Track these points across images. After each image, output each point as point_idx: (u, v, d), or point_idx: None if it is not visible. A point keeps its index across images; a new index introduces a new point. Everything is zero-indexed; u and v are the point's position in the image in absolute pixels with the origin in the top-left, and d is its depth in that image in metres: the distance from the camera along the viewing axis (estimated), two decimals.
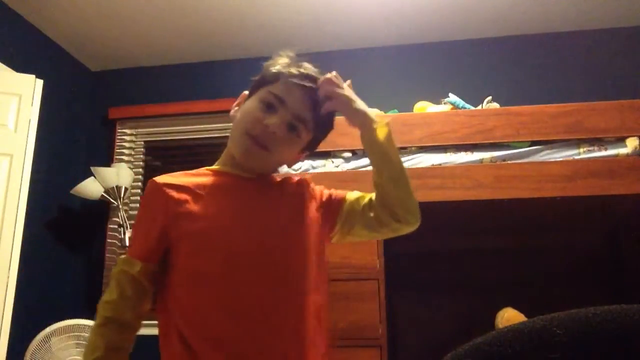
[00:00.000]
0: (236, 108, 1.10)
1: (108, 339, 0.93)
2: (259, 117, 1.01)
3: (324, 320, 1.03)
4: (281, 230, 1.02)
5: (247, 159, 1.03)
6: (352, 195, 1.15)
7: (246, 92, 1.10)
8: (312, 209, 1.09)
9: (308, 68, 1.06)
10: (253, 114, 1.02)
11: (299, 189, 1.10)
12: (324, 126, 1.10)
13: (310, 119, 1.04)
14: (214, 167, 1.09)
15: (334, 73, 1.08)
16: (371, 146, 1.09)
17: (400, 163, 1.11)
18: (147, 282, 0.98)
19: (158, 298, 1.01)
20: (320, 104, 1.05)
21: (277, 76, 1.04)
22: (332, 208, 1.12)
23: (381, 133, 1.09)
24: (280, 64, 1.06)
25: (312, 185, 1.14)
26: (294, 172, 2.22)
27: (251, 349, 0.92)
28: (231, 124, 1.09)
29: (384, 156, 1.09)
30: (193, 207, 0.97)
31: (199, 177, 1.04)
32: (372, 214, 1.10)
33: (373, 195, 1.12)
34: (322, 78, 1.06)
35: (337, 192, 1.15)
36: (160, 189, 0.98)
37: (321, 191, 1.14)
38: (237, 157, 1.04)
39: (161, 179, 1.01)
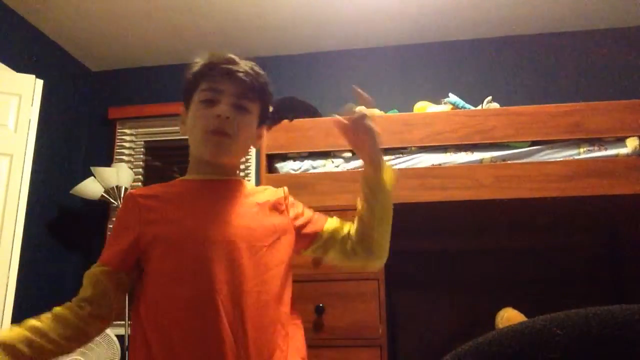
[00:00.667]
0: (182, 125, 1.14)
1: (63, 310, 0.98)
2: (207, 113, 1.05)
3: (287, 325, 1.05)
4: (253, 234, 1.03)
5: (217, 154, 1.06)
6: (331, 223, 1.17)
7: (183, 109, 1.14)
8: (287, 221, 1.11)
9: (220, 53, 1.10)
10: (200, 114, 1.06)
11: (276, 198, 1.12)
12: (265, 92, 1.13)
13: (250, 91, 1.08)
14: (186, 177, 1.12)
15: (363, 109, 1.10)
16: (376, 185, 1.09)
17: (391, 206, 1.13)
18: (112, 285, 1.00)
19: (132, 306, 1.03)
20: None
21: (200, 75, 1.08)
22: (310, 231, 1.14)
23: (389, 176, 1.11)
24: (195, 66, 1.10)
25: (290, 198, 1.16)
26: (293, 172, 2.22)
27: (213, 351, 0.93)
28: None
29: (385, 198, 1.10)
30: (164, 213, 1.01)
31: (172, 187, 1.09)
32: (348, 246, 1.13)
33: (351, 227, 1.14)
34: (358, 113, 1.08)
35: (317, 217, 1.17)
36: (134, 199, 1.03)
37: (303, 209, 1.17)
38: (207, 158, 1.07)
39: (136, 190, 1.07)
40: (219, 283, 0.95)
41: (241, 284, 0.97)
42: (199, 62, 1.11)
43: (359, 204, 1.13)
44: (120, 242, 1.01)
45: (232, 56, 1.09)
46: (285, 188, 1.17)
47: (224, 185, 1.09)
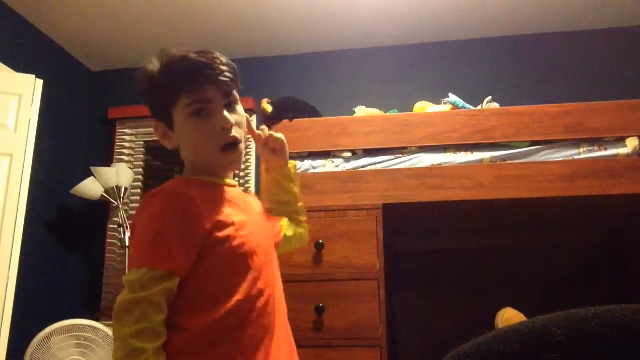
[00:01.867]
0: (167, 140, 1.08)
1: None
2: (208, 128, 1.01)
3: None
4: (269, 232, 1.17)
5: (235, 166, 1.10)
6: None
7: (159, 123, 1.08)
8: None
9: (184, 56, 1.05)
10: (199, 129, 1.02)
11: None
12: (237, 77, 1.08)
13: (232, 87, 1.05)
14: (197, 177, 1.06)
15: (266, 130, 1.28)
16: (294, 177, 1.35)
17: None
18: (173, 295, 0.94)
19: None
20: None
21: (176, 86, 1.02)
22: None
23: (293, 166, 1.36)
24: (157, 75, 1.04)
25: None
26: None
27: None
28: None
29: (296, 181, 1.36)
30: (218, 214, 0.98)
31: (196, 187, 1.00)
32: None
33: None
34: (264, 135, 1.27)
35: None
36: (191, 198, 0.95)
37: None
38: (222, 171, 1.08)
39: (182, 189, 0.98)
40: (264, 285, 1.02)
41: (274, 292, 1.05)
42: (156, 70, 1.04)
43: (276, 197, 1.35)
44: (188, 249, 0.93)
45: (203, 58, 1.03)
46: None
47: (237, 191, 1.12)
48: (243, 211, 1.06)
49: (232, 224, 0.98)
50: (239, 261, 0.98)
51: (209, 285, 0.96)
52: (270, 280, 1.04)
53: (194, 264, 0.94)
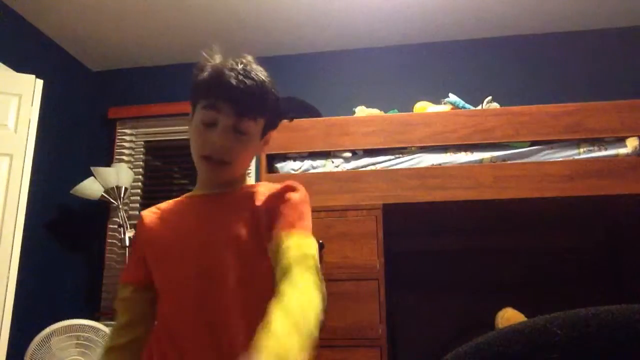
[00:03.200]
0: (189, 124, 1.07)
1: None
2: (204, 138, 1.00)
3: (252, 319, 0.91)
4: (222, 245, 0.98)
5: (214, 178, 1.06)
6: (288, 240, 0.91)
7: (191, 108, 1.07)
8: (256, 213, 0.99)
9: (223, 65, 1.03)
10: (198, 135, 1.02)
11: (252, 197, 1.02)
12: (268, 105, 1.04)
13: (250, 111, 1.01)
14: (192, 192, 1.11)
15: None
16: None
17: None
18: (143, 302, 1.06)
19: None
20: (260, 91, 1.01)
21: (202, 90, 1.02)
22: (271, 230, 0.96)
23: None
24: (200, 72, 1.04)
25: (285, 196, 1.00)
26: (293, 172, 2.22)
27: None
28: None
29: None
30: (156, 231, 1.07)
31: (174, 204, 1.12)
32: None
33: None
34: None
35: (280, 219, 0.96)
36: (141, 220, 1.10)
37: (285, 206, 0.98)
38: (203, 180, 1.08)
39: (147, 210, 1.13)
40: (184, 293, 0.99)
41: (199, 295, 0.98)
42: (204, 69, 1.04)
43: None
44: (135, 260, 1.09)
45: (235, 69, 1.00)
46: (290, 184, 1.01)
47: (215, 200, 1.05)
48: (186, 223, 1.04)
49: (159, 240, 1.05)
50: (157, 276, 1.04)
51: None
52: (190, 298, 0.97)
53: (142, 272, 1.06)
